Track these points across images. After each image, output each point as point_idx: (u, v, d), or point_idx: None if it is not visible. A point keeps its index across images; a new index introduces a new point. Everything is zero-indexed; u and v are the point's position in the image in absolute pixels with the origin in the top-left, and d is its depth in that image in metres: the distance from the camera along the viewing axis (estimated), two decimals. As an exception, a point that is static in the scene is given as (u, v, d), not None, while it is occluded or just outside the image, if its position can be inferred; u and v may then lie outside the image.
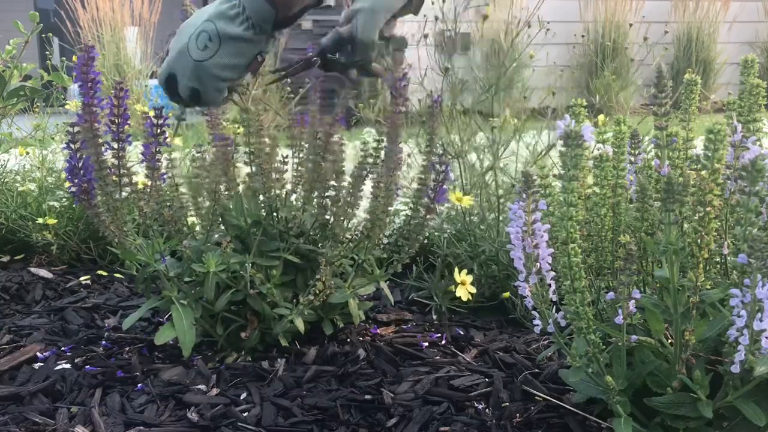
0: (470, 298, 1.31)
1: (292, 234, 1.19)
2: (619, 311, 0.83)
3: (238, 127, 1.28)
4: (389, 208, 1.18)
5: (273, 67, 1.16)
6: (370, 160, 1.18)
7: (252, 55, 1.09)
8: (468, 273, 1.33)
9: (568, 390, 1.04)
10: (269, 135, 1.19)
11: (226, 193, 1.22)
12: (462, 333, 1.31)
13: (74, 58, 1.10)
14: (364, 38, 1.06)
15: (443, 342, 1.27)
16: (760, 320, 0.75)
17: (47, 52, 2.70)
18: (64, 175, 1.49)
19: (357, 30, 1.07)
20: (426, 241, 1.54)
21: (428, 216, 1.20)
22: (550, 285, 0.86)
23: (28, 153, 1.97)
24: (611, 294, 0.83)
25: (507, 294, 1.37)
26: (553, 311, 0.87)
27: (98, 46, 5.19)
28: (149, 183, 1.17)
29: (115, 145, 1.12)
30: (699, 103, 0.95)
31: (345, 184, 1.17)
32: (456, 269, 1.32)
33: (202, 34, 1.08)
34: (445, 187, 1.19)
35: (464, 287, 1.30)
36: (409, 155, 1.49)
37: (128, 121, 1.13)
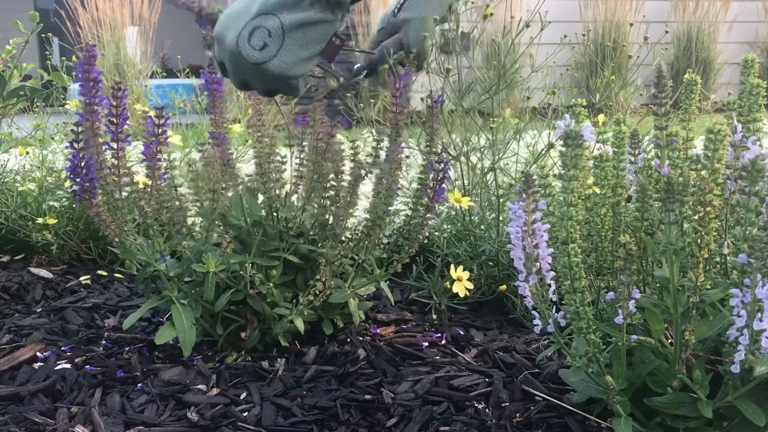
0: (467, 294, 1.31)
1: (291, 234, 1.19)
2: (619, 311, 0.83)
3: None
4: (390, 208, 1.18)
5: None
6: (369, 160, 1.18)
7: (327, 39, 0.96)
8: (468, 273, 1.33)
9: (568, 390, 1.04)
10: (269, 135, 1.19)
11: (229, 194, 1.22)
12: (462, 333, 1.31)
13: (74, 58, 1.10)
14: (418, 47, 1.08)
15: (443, 342, 1.27)
16: (760, 320, 0.75)
17: (47, 52, 2.69)
18: (64, 175, 1.49)
19: (409, 40, 1.09)
20: (426, 241, 1.54)
21: (428, 215, 1.20)
22: (550, 285, 0.86)
23: (28, 153, 1.97)
24: (611, 294, 0.83)
25: (504, 287, 1.37)
26: (553, 311, 0.87)
27: (98, 46, 5.18)
28: (149, 182, 1.17)
29: (114, 145, 1.13)
30: (699, 103, 0.95)
31: (344, 184, 1.17)
32: (452, 266, 1.32)
33: (257, 32, 0.93)
34: (444, 186, 1.19)
35: (461, 284, 1.30)
36: (407, 157, 1.49)
37: (127, 121, 1.14)
